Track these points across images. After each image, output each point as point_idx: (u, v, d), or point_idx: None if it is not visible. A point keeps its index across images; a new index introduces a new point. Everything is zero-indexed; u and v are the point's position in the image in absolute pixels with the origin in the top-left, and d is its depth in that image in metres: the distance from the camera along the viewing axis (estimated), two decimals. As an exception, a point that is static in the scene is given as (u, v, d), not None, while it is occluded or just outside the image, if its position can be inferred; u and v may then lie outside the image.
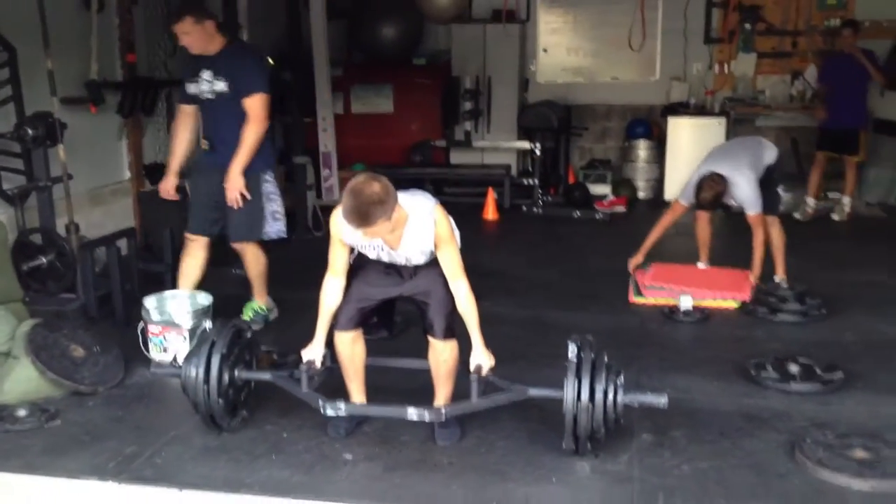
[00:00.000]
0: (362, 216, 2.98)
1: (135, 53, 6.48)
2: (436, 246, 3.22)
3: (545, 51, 9.78)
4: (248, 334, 3.57)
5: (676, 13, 9.20)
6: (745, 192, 5.20)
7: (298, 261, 6.40)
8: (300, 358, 3.43)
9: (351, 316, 3.37)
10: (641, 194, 9.18)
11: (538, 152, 8.73)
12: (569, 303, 5.39)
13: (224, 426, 3.43)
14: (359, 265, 3.40)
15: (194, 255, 4.66)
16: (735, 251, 5.46)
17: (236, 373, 3.43)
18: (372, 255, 3.31)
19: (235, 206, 4.50)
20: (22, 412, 3.61)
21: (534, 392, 3.32)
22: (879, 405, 3.79)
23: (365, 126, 9.21)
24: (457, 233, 3.30)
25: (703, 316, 5.05)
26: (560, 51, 9.75)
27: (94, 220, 5.70)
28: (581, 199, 8.61)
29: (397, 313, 4.12)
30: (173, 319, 4.24)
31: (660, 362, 4.29)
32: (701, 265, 5.84)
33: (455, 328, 3.35)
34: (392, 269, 3.38)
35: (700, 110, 9.05)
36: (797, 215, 7.74)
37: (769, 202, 5.40)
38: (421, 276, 3.35)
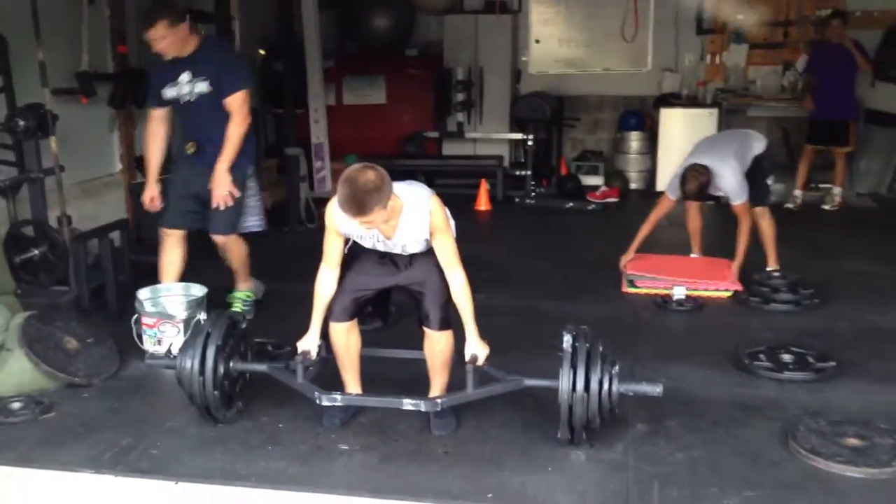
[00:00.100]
0: (358, 204, 2.97)
1: (126, 45, 6.45)
2: (431, 235, 3.22)
3: (537, 41, 9.77)
4: (243, 325, 3.57)
5: (668, 4, 9.21)
6: (729, 182, 5.22)
7: (292, 253, 6.41)
8: (295, 350, 3.43)
9: (346, 307, 3.37)
10: (634, 185, 9.20)
11: (531, 143, 8.74)
12: (562, 293, 5.41)
13: (220, 418, 3.43)
14: (353, 255, 3.40)
15: (172, 251, 4.58)
16: (728, 241, 5.48)
17: (231, 364, 3.43)
18: (368, 245, 3.31)
19: (223, 206, 4.43)
20: (16, 404, 3.61)
21: (529, 382, 3.33)
22: (872, 393, 3.81)
23: (357, 117, 9.21)
24: (452, 222, 3.30)
25: (696, 305, 5.07)
26: (552, 42, 9.74)
27: (86, 212, 5.69)
28: (573, 190, 8.63)
29: (391, 304, 4.12)
30: (167, 311, 4.24)
31: (653, 352, 4.31)
32: (694, 255, 5.87)
33: (450, 318, 3.35)
34: (387, 259, 3.38)
35: (692, 101, 9.07)
36: (789, 205, 7.77)
37: (759, 193, 5.42)
38: (416, 265, 3.36)
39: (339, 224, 3.21)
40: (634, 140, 9.28)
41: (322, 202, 7.00)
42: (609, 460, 3.18)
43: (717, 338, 4.56)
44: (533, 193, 8.50)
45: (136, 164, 6.57)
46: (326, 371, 3.55)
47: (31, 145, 5.00)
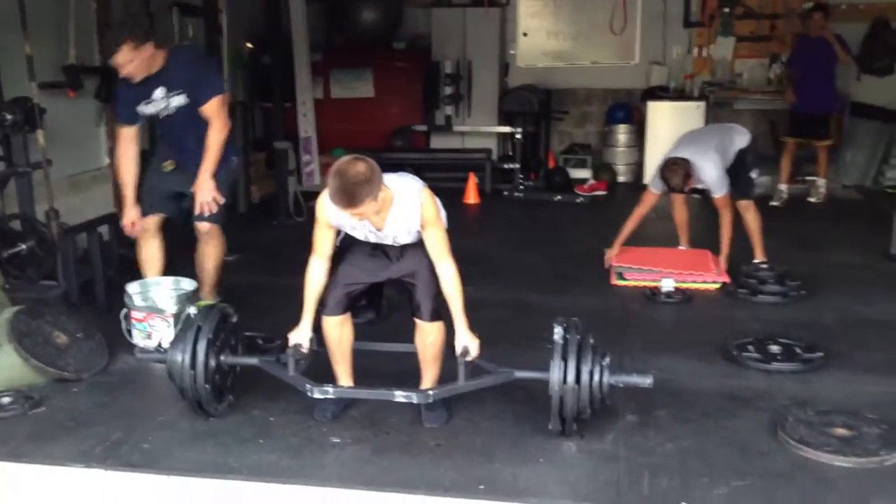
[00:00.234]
0: (349, 196, 2.98)
1: (113, 38, 6.41)
2: (422, 227, 3.22)
3: (525, 34, 9.78)
4: (234, 319, 3.57)
5: (656, -3, 9.25)
6: (710, 175, 5.25)
7: (280, 246, 6.41)
8: (286, 343, 3.42)
9: (339, 300, 3.38)
10: (621, 178, 9.23)
11: (519, 136, 8.75)
12: (551, 286, 5.43)
13: (211, 411, 3.42)
14: (345, 248, 3.40)
15: (149, 244, 4.52)
16: (716, 233, 5.50)
17: (222, 358, 3.43)
18: (360, 236, 3.31)
19: (207, 212, 4.38)
20: (6, 399, 3.59)
21: (520, 374, 3.34)
22: (858, 383, 3.84)
23: (345, 111, 9.21)
24: (443, 213, 3.31)
25: (684, 297, 5.10)
26: (540, 34, 9.75)
27: (73, 206, 5.65)
28: (562, 183, 8.66)
29: (383, 298, 4.13)
30: (157, 305, 4.23)
31: (643, 343, 4.33)
32: (681, 248, 5.90)
33: (441, 310, 3.36)
34: (378, 251, 3.39)
35: (679, 94, 9.10)
36: (774, 202, 7.78)
37: (743, 186, 5.46)
38: (407, 256, 3.36)
39: (330, 216, 3.21)
40: (622, 133, 9.31)
41: (310, 196, 7.06)
42: (600, 451, 3.20)
43: (705, 329, 4.59)
44: (521, 186, 8.52)
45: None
46: (317, 365, 3.55)
47: (18, 139, 4.98)
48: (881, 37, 8.78)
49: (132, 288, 4.33)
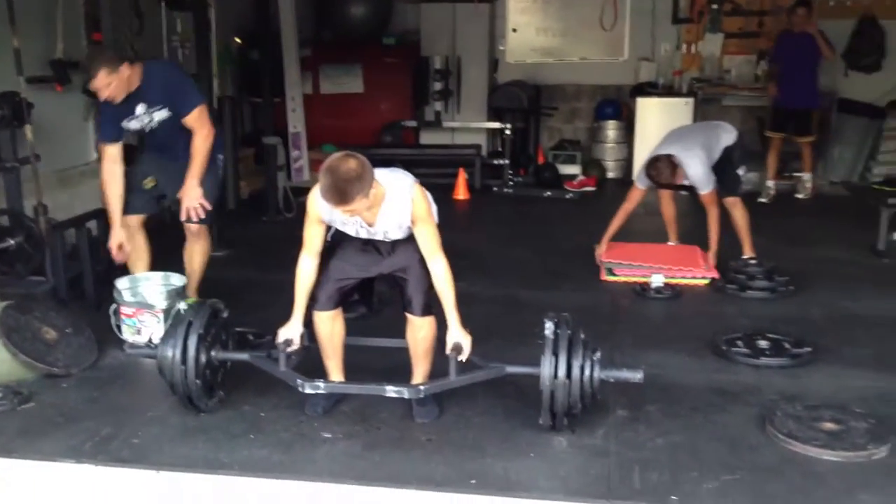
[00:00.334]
0: (340, 193, 2.98)
1: (101, 32, 6.38)
2: (413, 223, 3.23)
3: (514, 31, 9.78)
4: (224, 314, 3.56)
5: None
6: (695, 171, 5.27)
7: (270, 242, 6.40)
8: (275, 339, 3.42)
9: (330, 295, 3.38)
10: (611, 174, 9.26)
11: (508, 132, 8.75)
12: (541, 281, 5.44)
13: (201, 407, 3.42)
14: (336, 243, 3.40)
15: (134, 238, 4.52)
16: (705, 229, 5.53)
17: (213, 353, 3.42)
18: (351, 232, 3.31)
19: (194, 217, 4.40)
20: (-6, 395, 3.58)
21: (511, 369, 3.36)
22: (846, 378, 3.87)
23: (334, 106, 9.18)
24: (434, 208, 3.31)
25: (673, 293, 5.12)
26: (529, 30, 9.75)
27: (62, 201, 5.62)
28: (551, 179, 8.67)
29: (374, 293, 4.13)
30: (147, 301, 4.22)
31: (632, 339, 4.35)
32: (671, 243, 5.93)
33: (433, 305, 3.37)
34: (370, 246, 3.39)
35: (668, 90, 9.12)
36: (762, 199, 7.81)
37: (730, 183, 5.49)
38: (399, 252, 3.37)
39: (321, 212, 3.21)
40: (611, 129, 9.33)
41: (300, 192, 7.04)
42: (590, 446, 3.21)
43: (694, 325, 4.61)
44: (511, 182, 8.53)
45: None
46: (308, 360, 3.55)
47: (6, 134, 4.94)
48: (868, 34, 8.83)
49: (121, 283, 4.32)
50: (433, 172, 8.46)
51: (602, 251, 5.58)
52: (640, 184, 5.52)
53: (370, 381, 3.41)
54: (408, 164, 8.34)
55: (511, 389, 3.57)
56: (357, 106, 9.26)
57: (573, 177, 8.83)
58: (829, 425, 3.26)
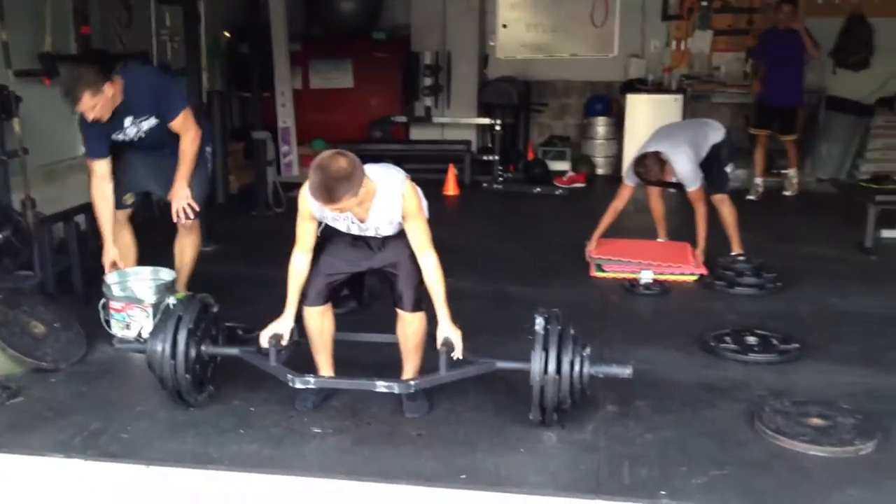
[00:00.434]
0: (328, 192, 2.98)
1: (89, 26, 6.36)
2: (403, 219, 3.23)
3: (505, 26, 9.78)
4: (214, 309, 3.55)
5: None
6: (683, 168, 5.29)
7: (260, 237, 6.39)
8: (259, 337, 3.40)
9: (320, 290, 3.38)
10: (600, 171, 9.27)
11: (498, 128, 8.76)
12: (531, 277, 5.45)
13: (191, 401, 3.41)
14: (327, 238, 3.40)
15: (120, 233, 4.50)
16: (694, 226, 5.56)
17: (203, 348, 3.41)
18: (342, 228, 3.31)
19: (184, 218, 4.40)
20: (-18, 389, 3.56)
21: (502, 364, 3.36)
22: (834, 374, 3.90)
23: (324, 101, 9.16)
24: (425, 203, 3.31)
25: (662, 289, 5.14)
26: (520, 26, 9.76)
27: (50, 195, 5.59)
28: (541, 175, 8.68)
29: (364, 288, 4.13)
30: (136, 295, 4.20)
31: (622, 335, 4.36)
32: (660, 240, 5.95)
33: (423, 301, 3.37)
34: (360, 241, 3.39)
35: (658, 87, 9.14)
36: (751, 196, 7.83)
37: (718, 180, 5.51)
38: (389, 247, 3.37)
39: (312, 208, 3.21)
40: (601, 125, 9.35)
41: (289, 186, 7.03)
42: (580, 441, 3.22)
43: (683, 321, 4.63)
44: (500, 178, 8.54)
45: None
46: (298, 355, 3.55)
47: (-6, 127, 4.92)
48: (856, 32, 8.87)
49: (110, 278, 4.30)
50: (423, 168, 8.46)
51: (592, 248, 5.60)
52: (629, 181, 5.54)
53: (360, 377, 3.41)
54: (397, 160, 8.27)
55: (501, 385, 3.57)
56: (347, 101, 9.25)
57: (563, 173, 8.84)
58: (816, 421, 3.28)
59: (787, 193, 8.08)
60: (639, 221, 6.30)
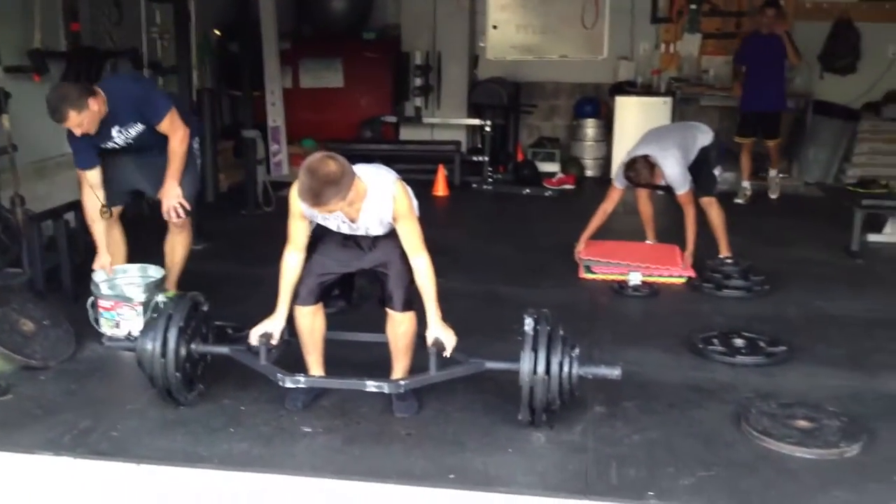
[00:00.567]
0: (316, 196, 3.00)
1: (79, 22, 6.34)
2: (395, 220, 3.24)
3: (495, 27, 9.80)
4: (205, 307, 3.56)
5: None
6: (672, 172, 5.32)
7: (249, 236, 6.39)
8: (248, 335, 3.41)
9: (311, 290, 3.39)
10: (589, 172, 9.29)
11: (488, 129, 8.78)
12: (520, 278, 5.47)
13: (181, 400, 3.42)
14: (318, 238, 3.40)
15: (110, 231, 4.51)
16: (683, 228, 5.59)
17: (193, 346, 3.42)
18: (332, 227, 3.33)
19: (174, 217, 4.41)
20: (-29, 387, 3.55)
21: (491, 365, 3.37)
22: (820, 377, 3.93)
23: (314, 101, 9.15)
24: (415, 203, 3.33)
25: (651, 291, 5.16)
26: (510, 28, 9.77)
27: (39, 192, 5.58)
28: (530, 176, 8.69)
29: (354, 288, 4.14)
30: (125, 294, 4.20)
31: (610, 336, 4.39)
32: (649, 242, 5.98)
33: (414, 300, 3.38)
34: (351, 241, 3.40)
35: (647, 90, 9.16)
36: (739, 200, 7.85)
37: (706, 183, 5.54)
38: (380, 247, 3.38)
39: (302, 207, 3.22)
40: (590, 127, 9.36)
41: (279, 185, 7.03)
42: (568, 442, 3.24)
43: (671, 323, 4.66)
44: (490, 179, 8.55)
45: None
46: (289, 354, 3.56)
47: (-18, 124, 4.90)
48: (843, 36, 8.93)
49: (99, 276, 4.29)
50: (413, 168, 8.46)
51: (581, 249, 5.62)
52: (619, 183, 5.57)
53: (350, 376, 3.43)
54: (387, 160, 8.25)
55: (490, 385, 3.59)
56: (337, 100, 9.24)
57: (552, 174, 8.86)
58: (802, 423, 3.31)
59: (771, 196, 8.07)
60: (627, 223, 6.33)
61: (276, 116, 8.36)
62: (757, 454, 3.17)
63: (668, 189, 5.51)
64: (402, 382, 3.33)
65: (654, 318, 4.85)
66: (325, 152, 3.08)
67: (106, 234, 4.48)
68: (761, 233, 6.68)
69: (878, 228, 6.36)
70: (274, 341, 3.40)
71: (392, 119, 9.33)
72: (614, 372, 3.27)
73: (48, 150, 6.07)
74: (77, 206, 5.09)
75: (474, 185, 8.48)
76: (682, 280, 5.35)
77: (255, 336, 3.37)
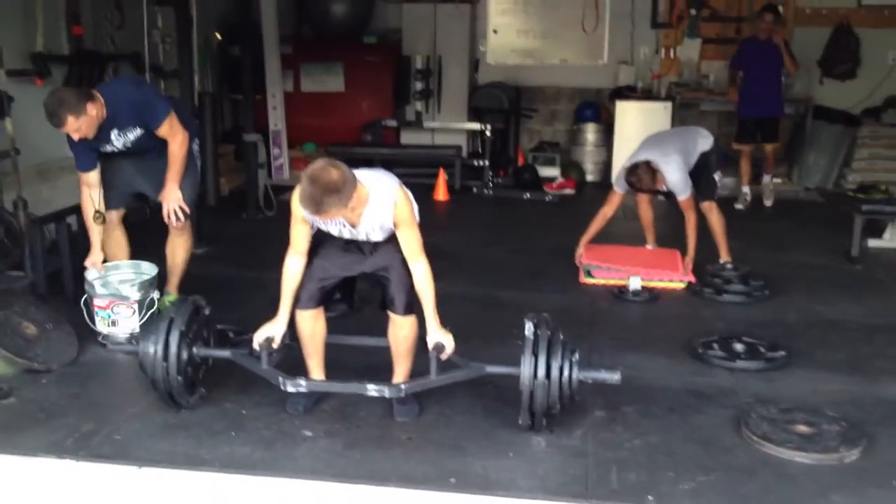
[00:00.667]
0: (318, 204, 3.02)
1: (81, 26, 6.36)
2: (396, 226, 3.26)
3: (495, 32, 9.82)
4: (206, 311, 3.57)
5: (624, -3, 9.36)
6: (673, 177, 5.33)
7: (250, 240, 6.39)
8: (252, 338, 3.42)
9: (312, 294, 3.40)
10: (590, 177, 9.32)
11: (488, 134, 8.79)
12: (520, 282, 5.48)
13: (183, 403, 3.43)
14: (319, 242, 3.41)
15: (113, 234, 4.54)
16: (683, 232, 5.60)
17: (195, 350, 3.43)
18: (334, 232, 3.34)
19: (174, 220, 4.44)
20: (-26, 390, 3.57)
21: (491, 369, 3.38)
22: (819, 382, 3.94)
23: (315, 105, 9.18)
24: (415, 207, 3.34)
25: (651, 296, 5.18)
26: (510, 32, 9.80)
27: (42, 195, 5.60)
28: (530, 181, 8.70)
29: (355, 292, 4.14)
30: (120, 292, 4.21)
31: (611, 340, 4.40)
32: (649, 247, 5.99)
33: (415, 304, 3.39)
34: (352, 246, 3.41)
35: (647, 94, 9.18)
36: (739, 205, 7.85)
37: (705, 188, 5.55)
38: (381, 251, 3.40)
39: (305, 212, 3.23)
40: (590, 132, 9.39)
41: (280, 189, 7.04)
42: (569, 446, 3.25)
43: (671, 328, 4.67)
44: (490, 184, 8.56)
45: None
46: (290, 358, 3.57)
47: (-15, 127, 4.92)
48: (843, 42, 8.97)
49: (91, 274, 4.30)
50: (413, 172, 8.50)
51: (580, 253, 5.64)
52: (619, 188, 5.59)
53: (351, 380, 3.44)
54: (388, 164, 8.40)
55: (490, 389, 3.60)
56: (338, 104, 9.26)
57: (552, 179, 8.87)
58: (802, 428, 3.32)
59: (766, 203, 7.95)
60: (628, 228, 6.35)
61: (277, 120, 8.38)
62: (756, 459, 3.18)
63: (669, 194, 5.53)
64: (402, 386, 3.34)
65: (654, 322, 4.86)
66: (326, 160, 3.10)
67: (108, 237, 4.50)
68: (761, 238, 6.69)
69: (878, 234, 6.37)
70: (275, 345, 3.41)
71: (393, 123, 9.35)
72: (614, 376, 3.28)
73: (50, 153, 6.07)
74: (79, 210, 5.11)
75: (475, 190, 8.49)
76: (683, 285, 5.36)
77: (257, 340, 3.38)
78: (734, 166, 7.84)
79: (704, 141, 5.60)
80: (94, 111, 4.08)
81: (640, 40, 9.55)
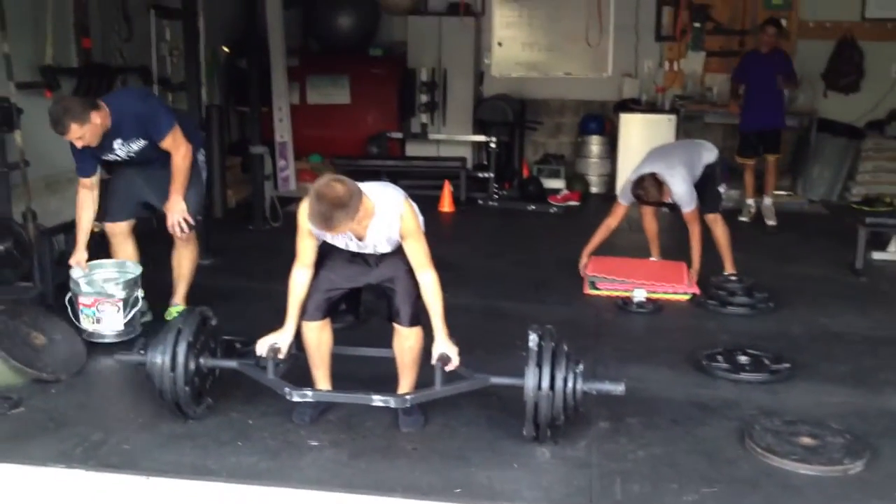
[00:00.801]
0: (325, 220, 3.06)
1: (90, 39, 6.41)
2: (402, 238, 3.29)
3: (500, 44, 9.86)
4: (213, 322, 3.60)
5: (628, 10, 9.38)
6: (679, 189, 5.36)
7: (256, 251, 6.43)
8: (255, 349, 3.45)
9: (318, 305, 3.43)
10: (594, 189, 9.33)
11: (493, 146, 8.82)
12: (525, 294, 5.50)
13: (190, 413, 3.45)
14: (325, 254, 3.44)
15: (124, 244, 4.59)
16: (687, 245, 5.62)
17: (202, 360, 3.46)
18: (340, 245, 3.37)
19: (179, 232, 4.49)
20: (-17, 400, 3.59)
21: (496, 380, 3.41)
22: (824, 394, 3.95)
23: (321, 117, 9.21)
24: (421, 218, 3.37)
25: (655, 308, 5.19)
26: (515, 45, 9.84)
27: (51, 207, 5.64)
28: (535, 193, 8.71)
29: (361, 303, 4.18)
30: (105, 290, 4.25)
31: (615, 352, 4.41)
32: (653, 259, 6.01)
33: (420, 315, 3.42)
34: (358, 258, 3.44)
35: (651, 107, 9.21)
36: (743, 217, 7.84)
37: (710, 200, 5.58)
38: (387, 263, 3.42)
39: (311, 226, 3.26)
40: (595, 144, 9.41)
41: (286, 201, 7.07)
42: (573, 457, 3.27)
43: (675, 339, 4.69)
44: (495, 196, 8.59)
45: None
46: (296, 368, 3.59)
47: (-5, 139, 4.97)
48: (847, 55, 9.00)
49: (76, 273, 4.36)
50: (419, 184, 8.52)
51: (583, 264, 5.66)
52: (624, 200, 5.62)
53: (357, 391, 3.46)
54: (393, 176, 8.43)
55: (495, 400, 3.62)
56: (344, 117, 9.30)
57: (557, 191, 8.89)
58: (806, 440, 3.34)
59: (769, 223, 7.70)
60: (632, 240, 6.37)
61: (283, 132, 8.41)
62: (760, 471, 3.19)
63: (674, 206, 5.55)
64: (407, 397, 3.36)
65: (658, 334, 4.87)
66: (332, 175, 3.14)
67: (120, 248, 4.56)
68: (766, 250, 6.71)
69: (883, 246, 6.38)
70: (282, 355, 3.44)
71: (398, 135, 9.39)
72: (618, 388, 3.30)
73: (60, 165, 6.09)
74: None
75: (480, 202, 8.52)
76: (687, 297, 5.38)
77: (262, 346, 3.40)
78: (738, 178, 7.84)
79: (709, 153, 5.63)
80: (99, 120, 4.13)
81: (644, 53, 9.58)
